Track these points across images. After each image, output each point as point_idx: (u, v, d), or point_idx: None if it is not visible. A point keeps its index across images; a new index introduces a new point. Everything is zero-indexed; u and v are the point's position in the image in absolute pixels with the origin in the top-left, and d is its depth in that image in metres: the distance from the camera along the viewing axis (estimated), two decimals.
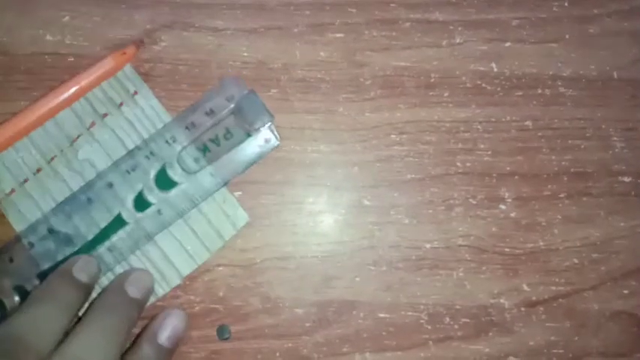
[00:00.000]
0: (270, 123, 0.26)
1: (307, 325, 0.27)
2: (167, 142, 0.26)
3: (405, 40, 0.29)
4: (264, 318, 0.27)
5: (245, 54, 0.28)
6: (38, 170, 0.27)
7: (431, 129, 0.28)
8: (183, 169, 0.26)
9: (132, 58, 0.27)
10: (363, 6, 0.29)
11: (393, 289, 0.27)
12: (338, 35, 0.29)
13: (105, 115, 0.27)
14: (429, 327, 0.27)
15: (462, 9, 0.29)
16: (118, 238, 0.26)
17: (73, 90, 0.26)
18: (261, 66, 0.28)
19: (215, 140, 0.26)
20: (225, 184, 0.26)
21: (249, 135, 0.26)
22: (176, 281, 0.26)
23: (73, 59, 0.28)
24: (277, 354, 0.27)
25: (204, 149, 0.26)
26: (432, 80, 0.29)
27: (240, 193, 0.27)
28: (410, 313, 0.27)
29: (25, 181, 0.27)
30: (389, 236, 0.28)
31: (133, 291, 0.24)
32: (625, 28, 0.30)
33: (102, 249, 0.26)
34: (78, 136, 0.27)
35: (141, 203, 0.26)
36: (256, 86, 0.28)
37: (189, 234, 0.27)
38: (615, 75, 0.30)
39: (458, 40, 0.29)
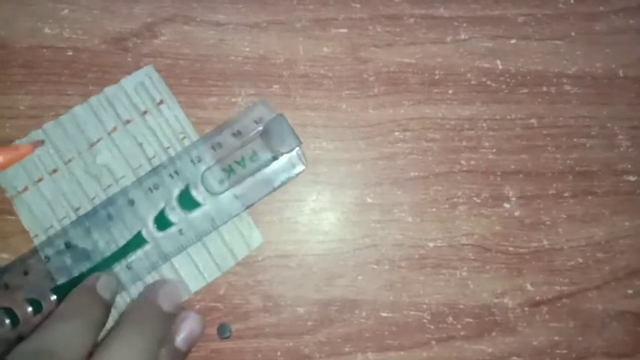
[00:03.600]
0: (297, 148, 0.26)
1: (309, 324, 0.27)
2: (192, 161, 0.26)
3: (409, 36, 0.29)
4: (265, 317, 0.26)
5: (247, 49, 0.28)
6: (54, 171, 0.26)
7: (435, 126, 0.28)
8: (207, 190, 0.25)
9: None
10: (366, 1, 0.29)
11: (396, 288, 0.27)
12: (341, 30, 0.28)
13: (127, 121, 0.27)
14: (432, 326, 0.27)
15: (467, 5, 0.29)
16: (136, 256, 0.25)
17: None
18: (263, 61, 0.28)
19: (241, 162, 0.26)
20: (249, 207, 0.26)
21: (275, 158, 0.26)
22: (184, 297, 0.26)
23: (71, 53, 0.28)
24: (278, 353, 0.26)
25: (230, 171, 0.26)
26: (437, 77, 0.28)
27: None
28: (413, 313, 0.27)
29: (40, 180, 0.26)
30: (392, 234, 0.27)
31: (167, 305, 0.24)
32: (631, 25, 0.30)
33: (119, 267, 0.25)
34: (98, 140, 0.26)
35: (162, 222, 0.25)
36: (258, 82, 0.28)
37: (201, 250, 0.26)
38: (621, 73, 0.29)
39: (463, 37, 0.29)
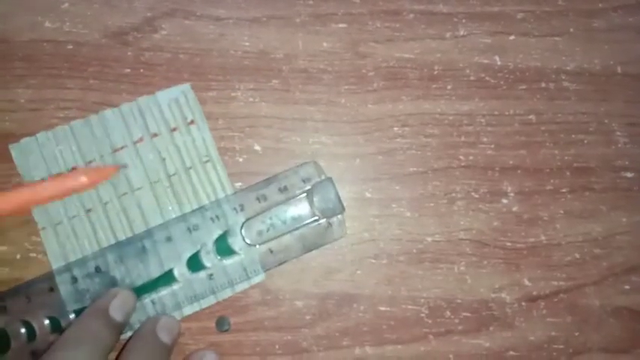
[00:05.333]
0: (340, 215, 0.26)
1: (307, 317, 0.27)
2: (235, 209, 0.26)
3: (408, 31, 0.29)
4: (263, 310, 0.27)
5: (247, 43, 0.28)
6: (73, 169, 0.26)
7: (434, 122, 0.28)
8: (244, 240, 0.26)
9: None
10: None
11: (394, 282, 0.27)
12: (341, 26, 0.29)
13: (155, 134, 0.27)
14: (430, 321, 0.27)
15: (466, 1, 0.29)
16: (163, 293, 0.25)
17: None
18: (262, 56, 0.28)
19: (282, 217, 0.26)
20: (282, 263, 0.26)
21: (316, 220, 0.26)
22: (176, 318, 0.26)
23: (72, 47, 0.28)
24: (277, 346, 0.26)
25: (270, 224, 0.26)
26: (436, 72, 0.29)
27: (240, 184, 0.27)
28: (410, 307, 0.27)
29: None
30: (390, 229, 0.27)
31: (165, 337, 0.24)
32: (630, 23, 0.30)
33: (145, 300, 0.25)
34: (122, 147, 0.27)
35: (195, 264, 0.25)
36: (258, 76, 0.28)
37: None
38: (619, 70, 0.29)
39: (462, 33, 0.29)
